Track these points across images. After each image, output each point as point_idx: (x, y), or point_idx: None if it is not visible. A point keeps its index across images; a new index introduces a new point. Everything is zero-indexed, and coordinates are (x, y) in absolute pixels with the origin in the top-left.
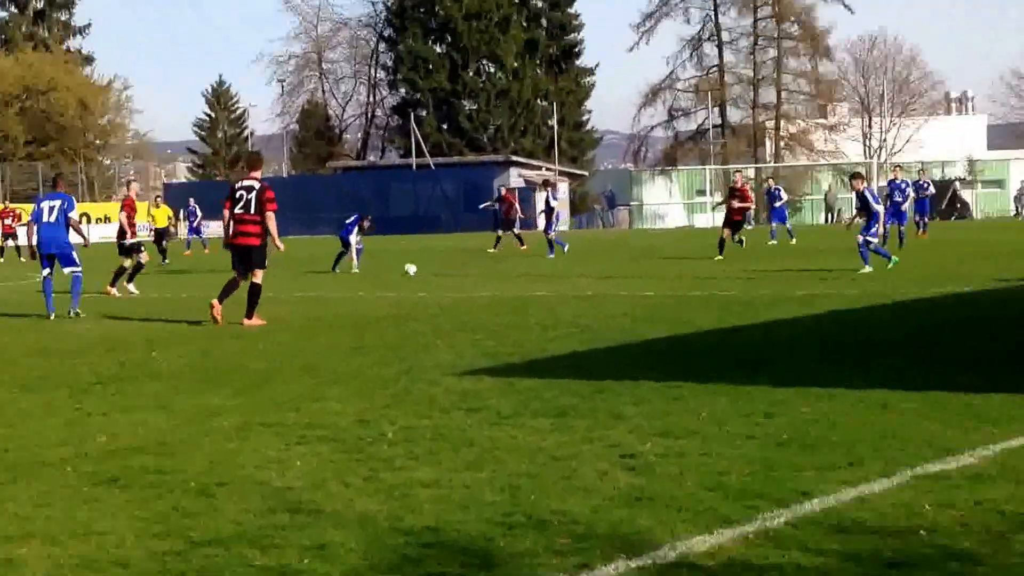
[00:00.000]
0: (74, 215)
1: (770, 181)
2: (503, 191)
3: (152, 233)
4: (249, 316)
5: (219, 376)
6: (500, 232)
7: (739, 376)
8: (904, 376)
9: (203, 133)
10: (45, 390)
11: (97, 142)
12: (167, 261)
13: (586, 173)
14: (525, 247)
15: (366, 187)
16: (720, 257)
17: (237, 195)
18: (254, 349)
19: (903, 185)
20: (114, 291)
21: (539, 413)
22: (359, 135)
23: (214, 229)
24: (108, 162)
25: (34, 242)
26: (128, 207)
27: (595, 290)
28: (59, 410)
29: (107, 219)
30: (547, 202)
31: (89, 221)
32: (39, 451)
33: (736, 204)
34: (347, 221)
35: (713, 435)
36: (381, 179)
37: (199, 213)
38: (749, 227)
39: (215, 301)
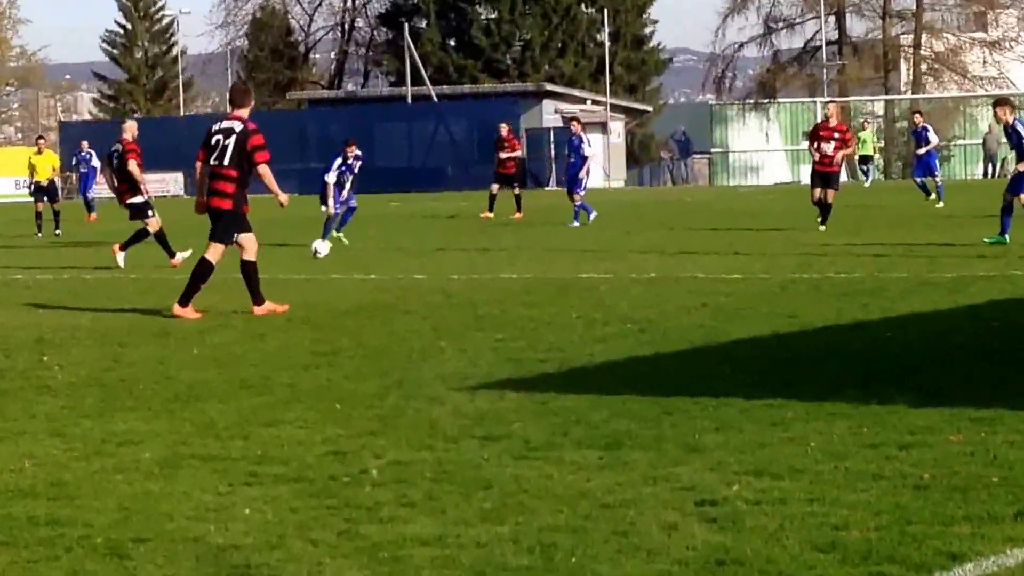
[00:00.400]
0: None
1: (918, 117)
2: (503, 130)
3: (32, 188)
4: (258, 302)
5: (135, 390)
6: (516, 189)
7: (863, 393)
8: None
9: (115, 52)
10: None
11: None
12: (59, 231)
13: (650, 108)
14: (519, 214)
15: (341, 127)
16: (822, 227)
17: (212, 141)
18: (184, 353)
19: None
20: (179, 257)
21: (583, 443)
22: (332, 55)
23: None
24: None
25: None
26: (134, 153)
27: (661, 271)
28: None
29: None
30: (579, 148)
31: None
32: None
33: (825, 149)
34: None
35: (827, 474)
36: (363, 116)
37: (95, 163)
38: (866, 181)
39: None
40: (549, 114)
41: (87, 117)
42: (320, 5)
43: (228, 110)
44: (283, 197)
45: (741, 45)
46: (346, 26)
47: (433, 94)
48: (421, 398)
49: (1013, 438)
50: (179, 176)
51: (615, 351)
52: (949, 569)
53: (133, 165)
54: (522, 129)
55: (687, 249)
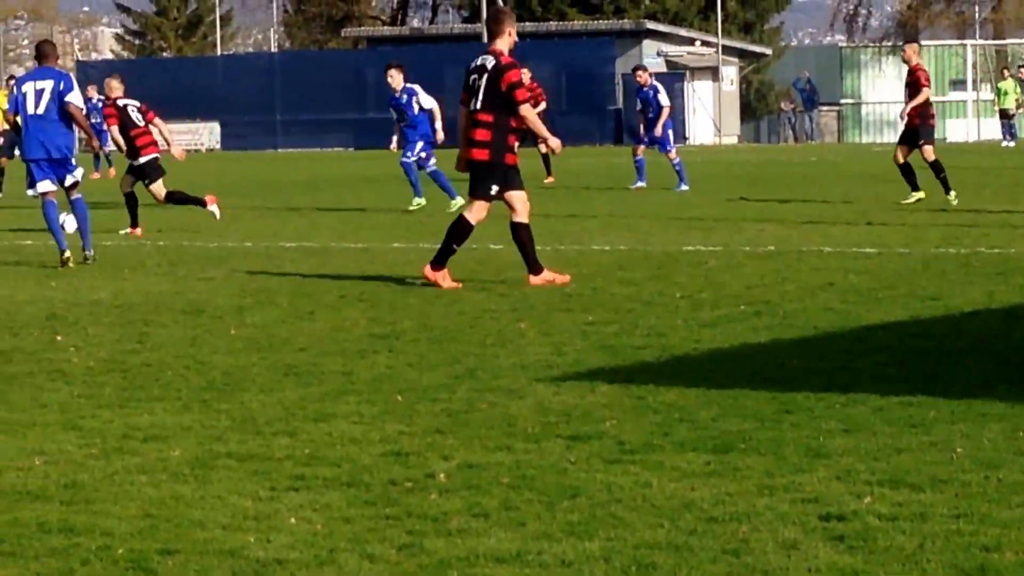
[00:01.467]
0: (76, 100)
1: None
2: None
3: None
4: (535, 271)
5: (163, 377)
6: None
7: (1020, 390)
8: None
9: None
10: None
11: None
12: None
13: (769, 51)
14: (551, 178)
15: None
16: (917, 195)
17: (470, 80)
18: (219, 335)
19: None
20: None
21: (688, 445)
22: None
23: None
24: None
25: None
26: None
27: (781, 245)
28: None
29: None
30: (656, 99)
31: None
32: None
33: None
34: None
35: (975, 486)
36: (431, 58)
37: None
38: (1009, 140)
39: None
40: (651, 57)
41: (108, 56)
42: None
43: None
44: (554, 142)
45: None
46: None
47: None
48: (497, 390)
49: None
50: (215, 126)
51: (726, 337)
52: None
53: (115, 131)
54: (618, 75)
55: (812, 218)
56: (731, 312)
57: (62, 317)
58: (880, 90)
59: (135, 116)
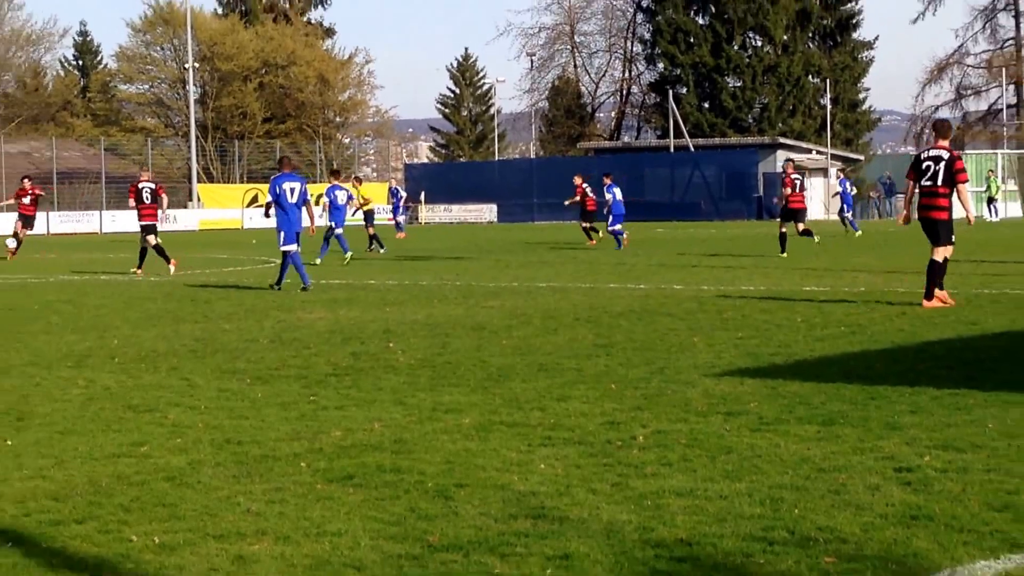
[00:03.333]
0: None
1: None
2: (576, 180)
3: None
4: (928, 297)
5: (457, 371)
6: (584, 224)
7: None
8: None
9: (447, 111)
10: (278, 381)
11: (336, 120)
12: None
13: (862, 157)
14: (593, 241)
15: (620, 170)
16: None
17: (923, 166)
18: (494, 344)
19: None
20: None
21: (805, 420)
22: (612, 114)
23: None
24: (347, 141)
25: (275, 222)
26: (161, 188)
27: (869, 286)
28: (293, 402)
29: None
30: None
31: (317, 203)
32: (272, 445)
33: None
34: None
35: (1002, 449)
36: (636, 162)
37: (402, 194)
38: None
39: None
40: (781, 162)
41: (425, 161)
42: (604, 75)
43: (931, 141)
44: (972, 215)
45: (936, 108)
46: (624, 92)
47: (691, 145)
48: (678, 382)
49: None
50: (493, 207)
51: (831, 348)
52: None
53: (164, 199)
54: (760, 173)
55: (891, 269)
56: (835, 332)
57: (393, 331)
58: None
59: (145, 195)
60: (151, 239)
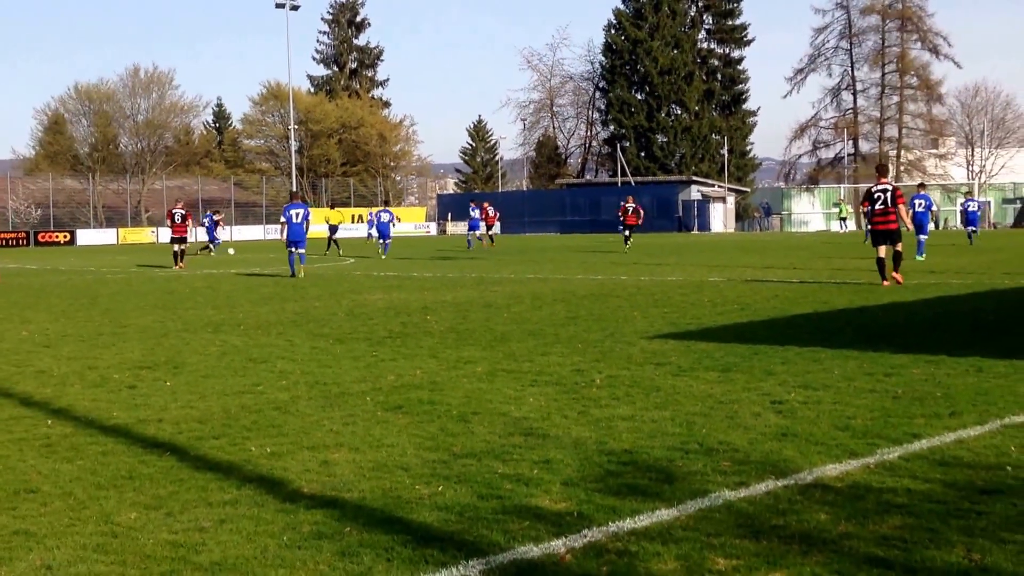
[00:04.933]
0: (310, 219)
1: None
2: (481, 205)
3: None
4: (896, 270)
5: (473, 335)
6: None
7: (865, 345)
8: (997, 347)
9: (466, 158)
10: (351, 342)
11: (391, 164)
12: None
13: (748, 190)
14: (489, 246)
15: (583, 198)
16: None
17: (875, 196)
18: (498, 316)
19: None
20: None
21: (710, 368)
22: (579, 160)
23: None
24: (399, 178)
25: (285, 235)
26: (168, 216)
27: (754, 277)
28: (361, 356)
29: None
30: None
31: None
32: (347, 385)
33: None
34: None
35: (844, 389)
36: (594, 193)
37: (480, 216)
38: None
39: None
40: (695, 193)
41: (451, 191)
42: (573, 133)
43: (876, 178)
44: (909, 224)
45: (800, 156)
46: (587, 145)
47: (632, 181)
48: (623, 343)
49: (949, 372)
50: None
51: (728, 319)
52: (912, 443)
53: (190, 221)
54: (680, 200)
55: (768, 265)
56: (730, 308)
57: (429, 307)
58: (800, 207)
59: (177, 217)
60: (175, 247)
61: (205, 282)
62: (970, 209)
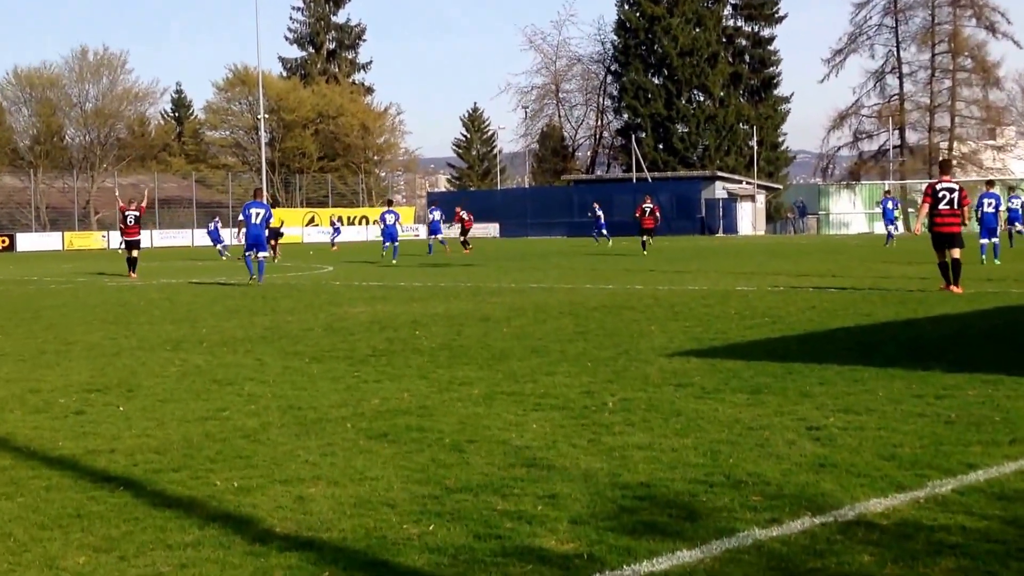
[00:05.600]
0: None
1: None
2: (457, 210)
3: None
4: (956, 283)
5: (468, 353)
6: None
7: (913, 363)
8: None
9: (460, 151)
10: (329, 360)
11: (375, 158)
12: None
13: (780, 187)
14: (466, 252)
15: (593, 196)
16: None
17: (940, 195)
18: (497, 332)
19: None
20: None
21: (737, 389)
22: (588, 153)
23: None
24: (383, 175)
25: (243, 236)
26: (120, 216)
27: (788, 285)
28: (340, 377)
29: (366, 220)
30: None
31: (367, 223)
32: (325, 410)
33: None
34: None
35: (889, 413)
36: (606, 190)
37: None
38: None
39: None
40: (719, 190)
41: (443, 189)
42: (582, 123)
43: (937, 175)
44: (917, 228)
45: (839, 148)
46: (597, 136)
47: (648, 177)
48: (639, 360)
49: (1009, 393)
50: (496, 225)
51: (758, 334)
52: (967, 474)
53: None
54: (702, 199)
55: (802, 273)
56: (760, 321)
57: (418, 321)
58: (839, 207)
59: (130, 219)
60: (130, 252)
61: (162, 293)
62: (1012, 206)
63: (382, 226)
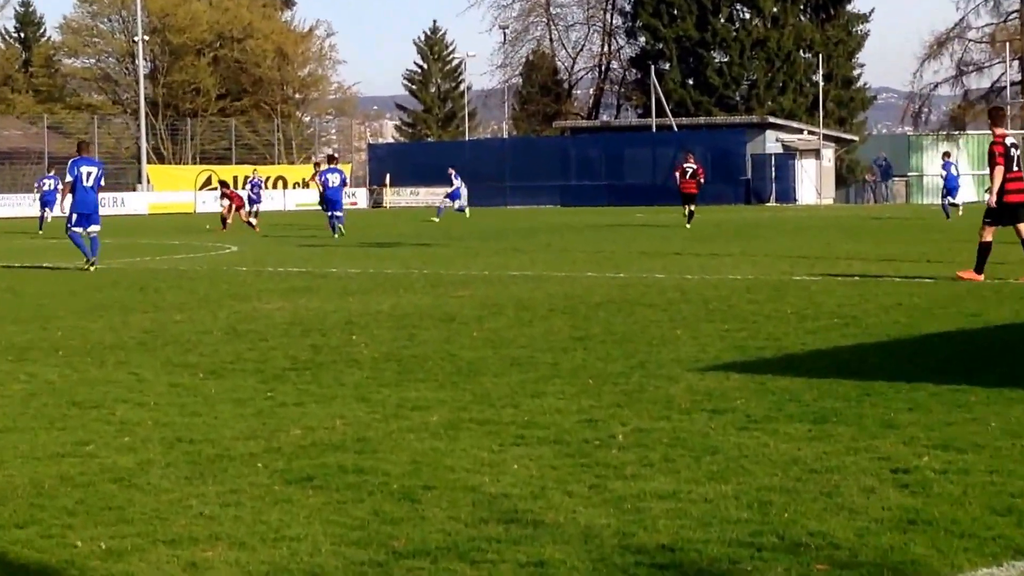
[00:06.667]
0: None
1: None
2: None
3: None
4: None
5: (425, 365)
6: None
7: None
8: None
9: (414, 87)
10: (233, 376)
11: (296, 96)
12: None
13: (856, 138)
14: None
15: (597, 151)
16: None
17: (1011, 153)
18: (464, 336)
19: None
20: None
21: (795, 418)
22: (591, 91)
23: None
24: (308, 119)
25: (67, 203)
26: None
27: (863, 274)
28: (248, 399)
29: (305, 184)
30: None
31: (285, 187)
32: (226, 444)
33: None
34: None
35: (1005, 450)
36: (615, 143)
37: (262, 186)
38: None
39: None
40: (771, 143)
41: (390, 140)
42: (582, 50)
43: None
44: (992, 199)
45: (936, 85)
46: (602, 67)
47: (674, 125)
48: (660, 377)
49: None
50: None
51: (823, 341)
52: None
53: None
54: (748, 155)
55: (886, 257)
56: (827, 323)
57: (355, 322)
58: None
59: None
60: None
61: (1, 282)
62: None
63: (321, 190)
